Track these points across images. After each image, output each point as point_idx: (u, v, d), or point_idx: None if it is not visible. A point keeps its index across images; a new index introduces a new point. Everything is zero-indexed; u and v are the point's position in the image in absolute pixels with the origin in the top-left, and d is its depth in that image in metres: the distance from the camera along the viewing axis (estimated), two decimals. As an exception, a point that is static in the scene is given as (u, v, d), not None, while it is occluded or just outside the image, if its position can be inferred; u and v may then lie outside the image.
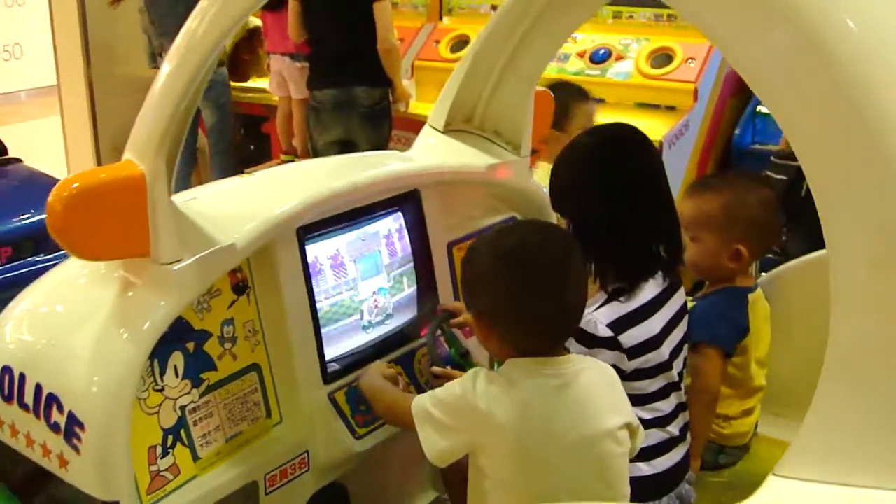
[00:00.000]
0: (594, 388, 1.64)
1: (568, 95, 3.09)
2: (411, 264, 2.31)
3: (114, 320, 1.66)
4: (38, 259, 3.52)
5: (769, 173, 3.41)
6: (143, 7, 5.11)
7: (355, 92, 4.58)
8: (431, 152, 2.45)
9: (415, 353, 2.24)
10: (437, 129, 2.51)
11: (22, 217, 3.59)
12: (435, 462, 1.67)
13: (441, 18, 5.60)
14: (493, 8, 5.49)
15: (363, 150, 4.32)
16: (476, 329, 1.69)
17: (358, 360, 2.12)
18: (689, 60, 4.45)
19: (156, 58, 5.14)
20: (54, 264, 3.38)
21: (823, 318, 1.05)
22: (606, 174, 1.97)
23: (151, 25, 5.08)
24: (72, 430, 1.65)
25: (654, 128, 4.09)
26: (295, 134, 5.27)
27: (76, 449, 1.65)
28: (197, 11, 1.57)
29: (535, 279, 1.57)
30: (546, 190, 2.38)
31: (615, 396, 1.67)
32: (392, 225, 2.27)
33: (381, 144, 4.61)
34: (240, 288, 1.93)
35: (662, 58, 4.57)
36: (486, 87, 2.49)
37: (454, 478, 2.09)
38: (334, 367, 2.07)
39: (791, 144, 1.07)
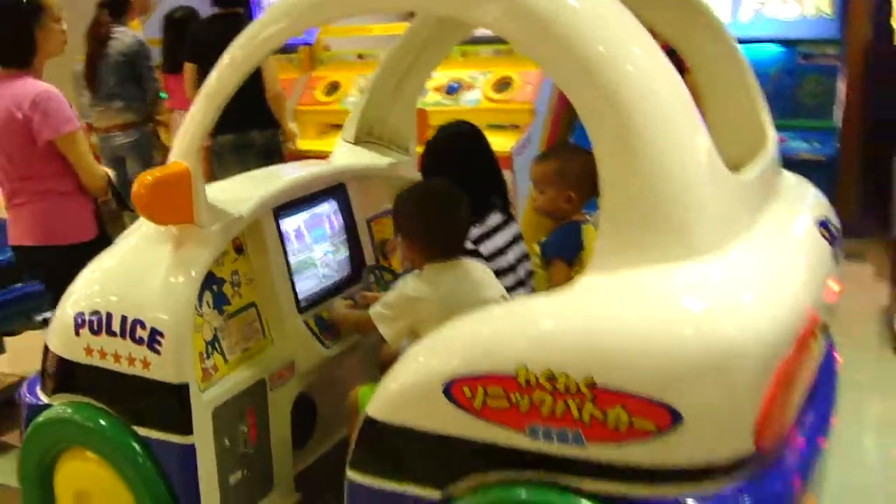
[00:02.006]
0: (481, 278, 2.64)
1: None
2: (345, 235, 3.26)
3: (175, 265, 2.55)
4: (14, 286, 4.27)
5: None
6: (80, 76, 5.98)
7: (250, 135, 5.46)
8: (347, 158, 3.41)
9: (353, 292, 3.18)
10: (348, 142, 3.48)
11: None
12: (391, 343, 2.63)
13: (313, 68, 6.57)
14: (359, 56, 6.54)
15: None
16: (403, 247, 2.67)
17: (319, 297, 3.05)
18: (526, 85, 5.56)
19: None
20: (27, 291, 4.16)
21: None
22: (454, 154, 3.09)
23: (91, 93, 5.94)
24: (154, 339, 2.52)
25: (502, 143, 5.16)
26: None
27: (157, 351, 2.52)
28: (221, 63, 2.49)
29: (436, 210, 2.58)
30: None
31: (493, 281, 2.68)
32: (330, 208, 3.22)
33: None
34: (239, 249, 2.83)
35: (503, 85, 5.67)
36: (381, 110, 3.47)
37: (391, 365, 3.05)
38: (304, 302, 3.00)
39: (567, 96, 2.09)
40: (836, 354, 2.77)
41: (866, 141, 6.25)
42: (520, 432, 2.05)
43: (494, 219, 3.00)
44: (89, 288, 2.70)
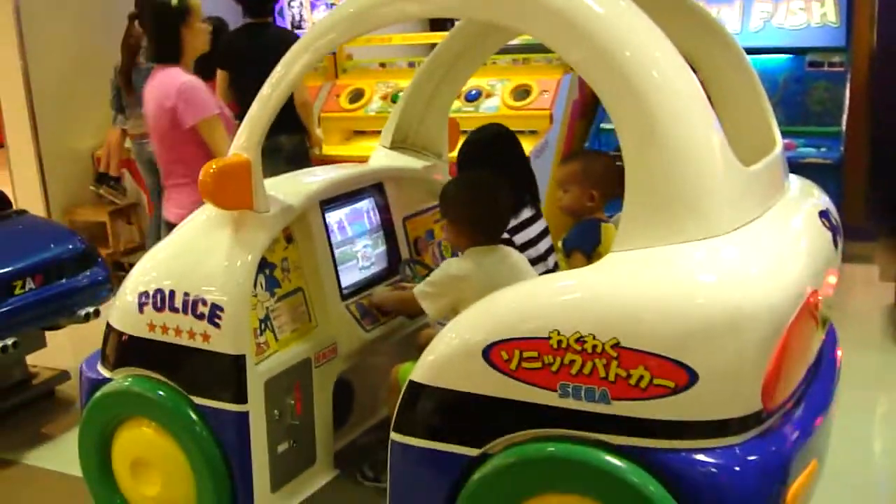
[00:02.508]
0: (517, 262, 2.89)
1: None
2: (382, 230, 3.52)
3: (234, 247, 2.80)
4: (62, 282, 4.52)
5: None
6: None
7: (279, 139, 5.68)
8: (384, 160, 3.67)
9: (391, 284, 3.43)
10: (385, 147, 3.74)
11: (46, 251, 4.59)
12: (434, 317, 2.87)
13: (337, 76, 6.84)
14: (382, 65, 6.82)
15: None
16: (449, 232, 2.92)
17: (360, 287, 3.30)
18: (544, 93, 5.80)
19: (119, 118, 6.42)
20: (73, 286, 4.40)
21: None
22: (490, 153, 3.39)
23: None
24: (214, 314, 2.76)
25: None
26: None
27: (217, 325, 2.76)
28: (277, 69, 2.76)
29: (481, 197, 2.83)
30: None
31: (528, 266, 2.93)
32: (369, 205, 3.47)
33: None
34: (289, 238, 3.08)
35: (522, 92, 5.92)
36: (416, 118, 3.72)
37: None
38: (346, 290, 3.24)
39: (603, 103, 2.35)
40: (838, 345, 2.99)
41: (874, 146, 6.47)
42: (551, 391, 2.29)
43: (526, 213, 3.26)
44: (153, 269, 2.96)
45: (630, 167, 2.33)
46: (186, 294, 2.81)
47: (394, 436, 2.56)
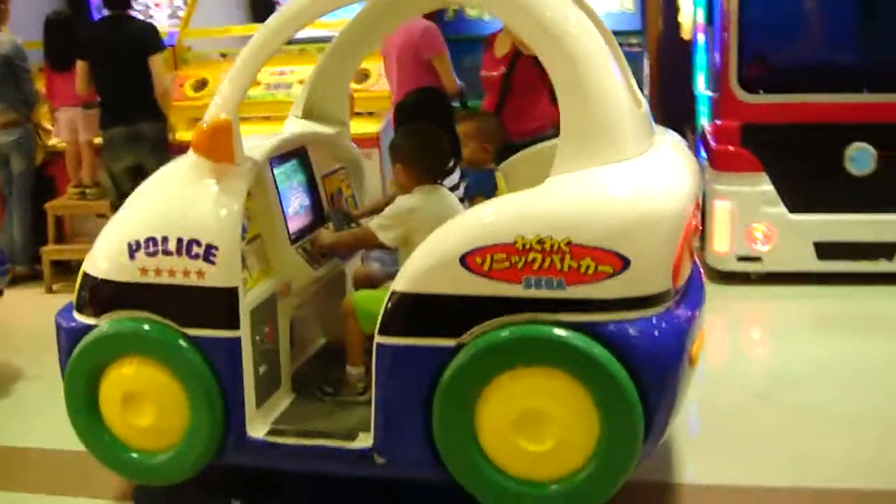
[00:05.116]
0: (454, 200, 3.54)
1: None
2: (308, 186, 4.04)
3: (221, 194, 3.25)
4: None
5: None
6: None
7: (142, 127, 6.05)
8: (299, 128, 4.18)
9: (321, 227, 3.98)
10: (297, 117, 4.25)
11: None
12: (389, 244, 3.45)
13: (177, 67, 7.15)
14: (223, 55, 7.24)
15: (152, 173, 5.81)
16: (399, 175, 3.52)
17: (301, 233, 3.81)
18: (381, 77, 6.43)
19: None
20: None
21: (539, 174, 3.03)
22: (425, 111, 4.00)
23: None
24: (209, 253, 3.20)
25: (368, 127, 6.23)
26: (84, 169, 6.59)
27: (213, 262, 3.20)
28: (258, 33, 3.25)
29: (429, 143, 3.46)
30: (356, 149, 4.30)
31: (460, 205, 3.57)
32: (299, 164, 3.99)
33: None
34: (248, 193, 3.55)
35: (362, 77, 6.54)
36: (321, 92, 4.26)
37: (363, 284, 3.87)
38: (293, 236, 3.75)
39: (538, 57, 3.04)
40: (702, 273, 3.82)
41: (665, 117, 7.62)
42: (517, 284, 2.95)
43: (451, 162, 3.91)
44: (141, 217, 3.35)
45: (563, 108, 3.03)
46: (180, 238, 3.23)
47: (379, 339, 3.11)
